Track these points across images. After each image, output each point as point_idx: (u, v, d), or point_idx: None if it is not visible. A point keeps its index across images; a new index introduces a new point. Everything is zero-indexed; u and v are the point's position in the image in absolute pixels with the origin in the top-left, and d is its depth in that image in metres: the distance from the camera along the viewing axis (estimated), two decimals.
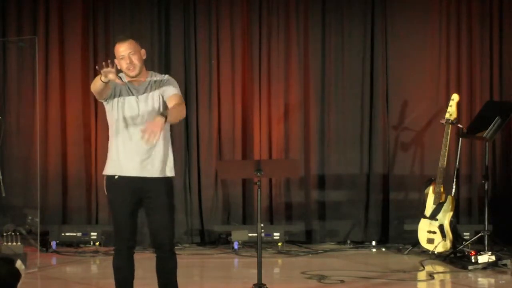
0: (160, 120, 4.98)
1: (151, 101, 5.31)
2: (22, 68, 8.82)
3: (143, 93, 5.31)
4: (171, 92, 5.31)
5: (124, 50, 5.28)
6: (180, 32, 8.87)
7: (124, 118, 5.28)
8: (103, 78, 5.06)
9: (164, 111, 5.12)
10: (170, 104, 5.24)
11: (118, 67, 5.31)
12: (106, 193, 5.41)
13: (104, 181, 5.38)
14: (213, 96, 8.88)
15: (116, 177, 5.31)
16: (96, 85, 5.16)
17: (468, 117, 8.76)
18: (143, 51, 5.36)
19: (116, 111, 5.30)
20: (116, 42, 5.35)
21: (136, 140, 5.26)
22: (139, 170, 5.29)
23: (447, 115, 8.16)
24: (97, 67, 5.09)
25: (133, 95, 5.30)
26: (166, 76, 5.43)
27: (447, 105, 8.24)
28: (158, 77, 5.41)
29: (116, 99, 5.30)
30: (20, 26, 8.82)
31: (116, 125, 5.31)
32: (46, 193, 8.73)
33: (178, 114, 5.19)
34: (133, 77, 5.30)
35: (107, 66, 5.02)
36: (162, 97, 5.32)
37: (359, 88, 8.92)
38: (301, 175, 8.78)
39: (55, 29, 8.82)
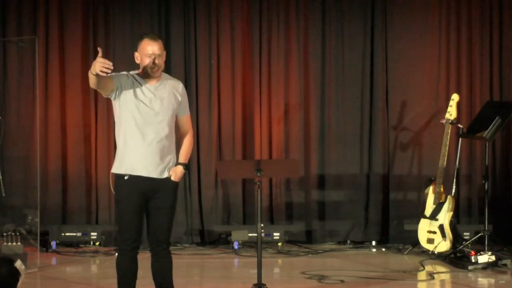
0: (182, 172, 5.40)
1: (166, 103, 5.30)
2: (22, 68, 8.81)
3: (159, 94, 5.29)
4: (186, 113, 5.51)
5: (154, 50, 5.26)
6: (180, 32, 8.86)
7: (137, 118, 5.23)
8: (92, 71, 5.02)
9: (186, 164, 5.45)
10: (182, 126, 5.48)
11: (137, 61, 5.31)
12: (113, 191, 5.38)
13: (110, 179, 5.36)
14: (213, 96, 8.88)
15: (126, 177, 5.28)
16: (90, 78, 5.12)
17: (468, 117, 8.76)
18: (164, 53, 5.36)
19: (128, 110, 5.24)
20: (146, 37, 5.30)
21: (149, 141, 5.24)
22: (151, 170, 5.27)
23: (447, 115, 8.16)
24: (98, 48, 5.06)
25: (147, 95, 5.26)
26: (181, 85, 5.49)
27: (447, 105, 8.24)
28: (173, 82, 5.44)
29: (127, 97, 5.23)
30: (20, 26, 8.81)
31: (127, 124, 5.25)
32: (46, 193, 8.72)
33: (189, 153, 5.53)
34: (153, 77, 5.28)
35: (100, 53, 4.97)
36: (176, 103, 5.37)
37: (359, 88, 8.91)
38: (301, 175, 8.77)
39: (55, 29, 8.81)
